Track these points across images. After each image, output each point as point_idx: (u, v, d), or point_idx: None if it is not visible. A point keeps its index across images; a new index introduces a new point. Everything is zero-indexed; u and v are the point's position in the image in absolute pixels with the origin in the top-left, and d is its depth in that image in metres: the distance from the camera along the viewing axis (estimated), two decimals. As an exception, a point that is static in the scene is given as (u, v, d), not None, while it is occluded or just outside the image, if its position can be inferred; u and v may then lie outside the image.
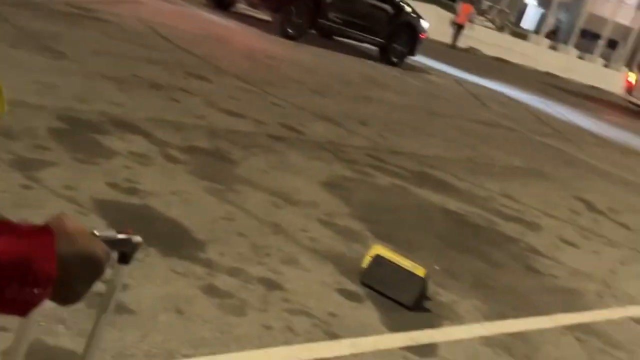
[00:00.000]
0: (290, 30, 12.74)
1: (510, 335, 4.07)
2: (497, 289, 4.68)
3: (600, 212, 7.78)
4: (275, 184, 5.18)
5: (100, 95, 5.98)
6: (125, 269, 1.13)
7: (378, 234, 4.85)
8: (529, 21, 56.55)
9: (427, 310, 3.97)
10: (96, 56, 7.31)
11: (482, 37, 28.30)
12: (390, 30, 14.23)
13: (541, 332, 4.27)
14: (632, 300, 5.37)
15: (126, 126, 5.34)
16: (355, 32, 13.95)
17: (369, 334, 3.52)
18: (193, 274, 3.47)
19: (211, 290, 3.37)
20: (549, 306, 4.69)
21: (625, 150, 13.76)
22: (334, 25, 13.52)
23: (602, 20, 39.40)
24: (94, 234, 0.94)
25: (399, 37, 14.45)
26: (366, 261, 4.02)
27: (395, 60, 14.54)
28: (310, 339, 3.27)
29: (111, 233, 1.03)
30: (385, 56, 14.58)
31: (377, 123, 8.43)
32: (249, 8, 13.87)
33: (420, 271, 3.97)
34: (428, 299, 4.06)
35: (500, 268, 5.08)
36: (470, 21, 25.64)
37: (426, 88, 12.92)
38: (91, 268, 0.90)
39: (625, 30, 44.36)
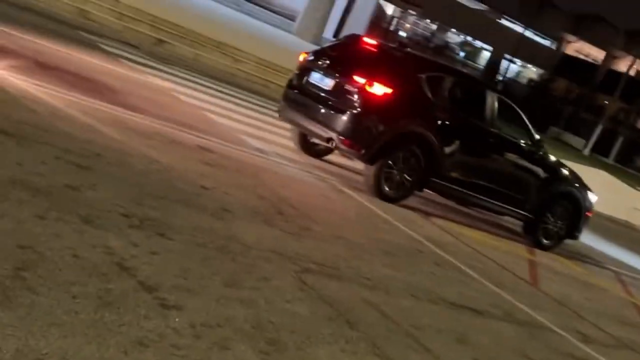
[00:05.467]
0: (387, 189, 8.67)
1: None
2: None
3: None
4: None
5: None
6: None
7: None
8: None
9: None
10: None
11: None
12: (541, 201, 10.14)
13: None
14: None
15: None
16: (486, 199, 9.67)
17: None
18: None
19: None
20: None
21: None
22: (452, 186, 9.25)
23: None
24: None
25: (554, 212, 10.34)
26: None
27: (546, 242, 10.41)
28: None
29: None
30: (532, 235, 10.40)
31: None
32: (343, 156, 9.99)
33: None
34: None
35: None
36: None
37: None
38: None
39: None
